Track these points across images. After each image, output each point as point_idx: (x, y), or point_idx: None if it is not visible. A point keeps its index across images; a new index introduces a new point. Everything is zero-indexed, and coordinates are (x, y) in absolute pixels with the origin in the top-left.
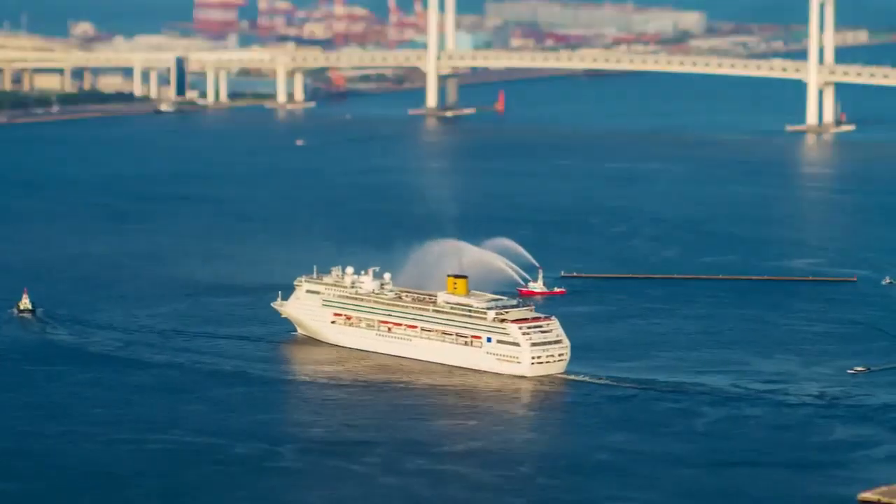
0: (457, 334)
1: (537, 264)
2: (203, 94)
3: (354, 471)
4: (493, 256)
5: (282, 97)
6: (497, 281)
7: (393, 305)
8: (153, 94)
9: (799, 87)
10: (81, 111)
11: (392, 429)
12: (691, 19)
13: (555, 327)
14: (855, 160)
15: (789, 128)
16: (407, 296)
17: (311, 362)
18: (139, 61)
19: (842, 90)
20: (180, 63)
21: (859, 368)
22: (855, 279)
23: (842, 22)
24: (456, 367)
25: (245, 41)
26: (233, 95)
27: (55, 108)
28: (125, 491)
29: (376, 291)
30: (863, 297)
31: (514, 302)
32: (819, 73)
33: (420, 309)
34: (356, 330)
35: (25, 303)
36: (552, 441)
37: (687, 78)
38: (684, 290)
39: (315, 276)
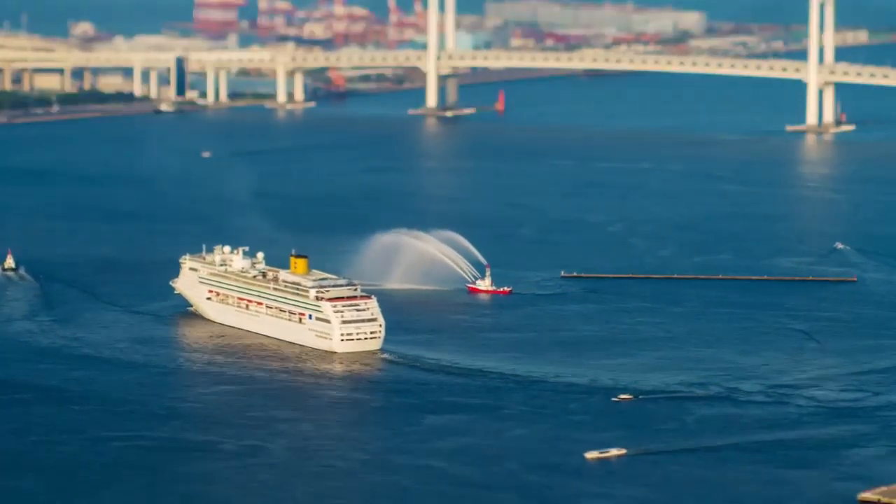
0: (289, 311)
1: (485, 262)
2: (203, 94)
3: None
4: (444, 253)
5: (282, 97)
6: (446, 277)
7: (247, 283)
8: (153, 94)
9: (799, 87)
10: (81, 111)
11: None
12: (691, 19)
13: (371, 307)
14: (855, 160)
15: (789, 128)
16: (270, 274)
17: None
18: (139, 61)
19: (842, 90)
20: (180, 63)
21: (625, 396)
22: (855, 279)
23: (842, 22)
24: (292, 342)
25: (245, 41)
26: (233, 95)
27: (55, 108)
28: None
29: (244, 269)
30: (859, 296)
31: (344, 281)
32: (819, 73)
33: (264, 287)
34: (224, 306)
35: (10, 262)
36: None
37: (687, 78)
38: (678, 290)
39: (204, 254)
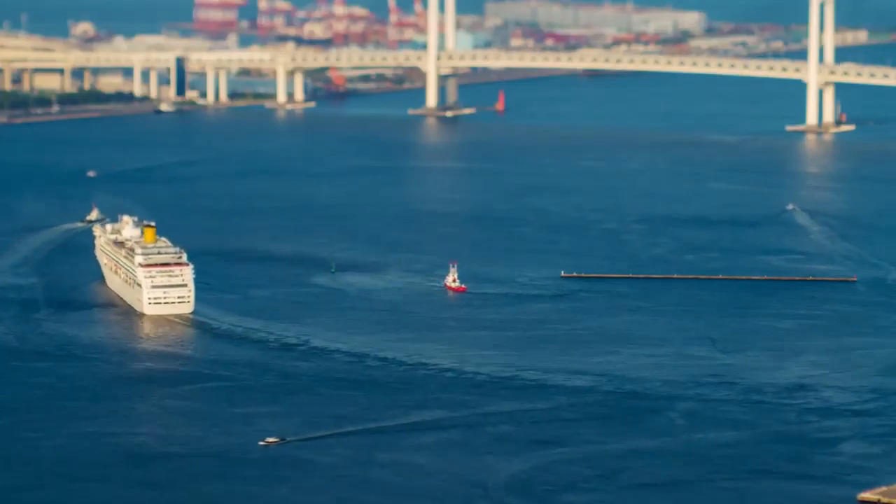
0: (129, 277)
1: (452, 260)
2: (203, 94)
3: None
4: None
5: (282, 97)
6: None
7: (114, 251)
8: (153, 94)
9: (799, 87)
10: (81, 111)
11: None
12: (691, 19)
13: (183, 274)
14: (855, 160)
15: (789, 128)
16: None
17: None
18: (139, 61)
19: (842, 90)
20: (180, 63)
21: (272, 440)
22: (854, 279)
23: (842, 22)
24: (131, 305)
25: (245, 41)
26: (233, 95)
27: (55, 108)
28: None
29: (131, 238)
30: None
31: (173, 250)
32: (819, 73)
33: (119, 254)
34: (110, 272)
35: (94, 214)
36: None
37: (687, 78)
38: (676, 290)
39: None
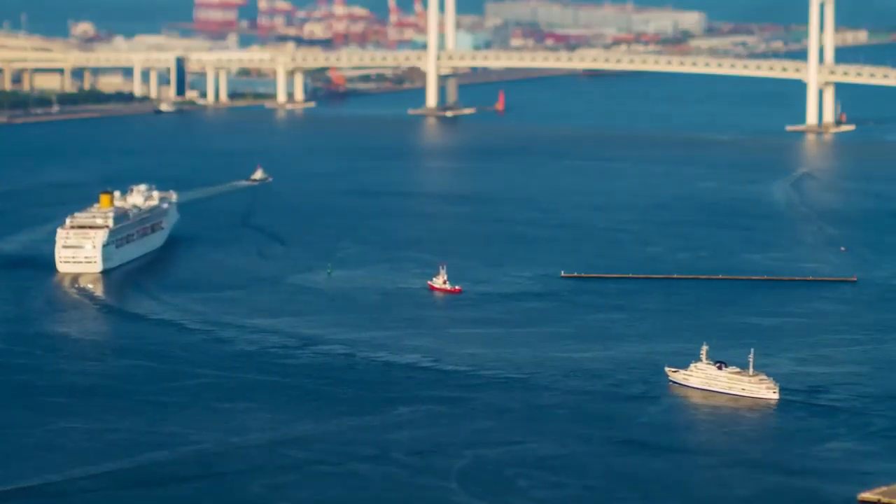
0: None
1: (442, 262)
2: (203, 94)
3: None
4: None
5: (282, 97)
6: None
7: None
8: (153, 94)
9: (799, 87)
10: (81, 111)
11: None
12: (691, 19)
13: (95, 237)
14: (855, 160)
15: (789, 128)
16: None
17: None
18: (139, 61)
19: (842, 90)
20: (180, 63)
21: None
22: (855, 279)
23: (842, 22)
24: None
25: (245, 41)
26: (233, 95)
27: (55, 108)
28: None
29: (136, 205)
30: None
31: (103, 216)
32: (819, 73)
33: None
34: None
35: (259, 174)
36: None
37: (687, 78)
38: (674, 290)
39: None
